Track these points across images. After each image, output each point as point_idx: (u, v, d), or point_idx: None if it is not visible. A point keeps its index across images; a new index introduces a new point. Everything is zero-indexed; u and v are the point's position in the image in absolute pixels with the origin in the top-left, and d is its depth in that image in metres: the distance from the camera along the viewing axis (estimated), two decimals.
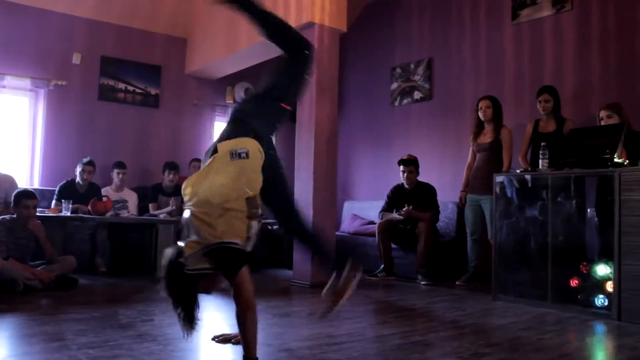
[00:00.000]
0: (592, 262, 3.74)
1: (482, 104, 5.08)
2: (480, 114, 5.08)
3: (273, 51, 5.95)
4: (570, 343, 2.88)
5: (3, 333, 2.82)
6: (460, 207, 5.33)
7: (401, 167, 5.56)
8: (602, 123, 4.25)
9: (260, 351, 2.48)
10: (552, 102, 4.71)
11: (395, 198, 5.61)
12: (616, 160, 3.59)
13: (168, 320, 3.13)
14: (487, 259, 5.04)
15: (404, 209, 5.39)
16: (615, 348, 2.96)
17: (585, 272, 3.74)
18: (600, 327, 3.33)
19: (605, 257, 3.66)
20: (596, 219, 3.84)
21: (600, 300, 3.62)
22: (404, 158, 5.60)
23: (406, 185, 5.57)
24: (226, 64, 6.60)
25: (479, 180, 5.02)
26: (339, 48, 5.13)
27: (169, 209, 5.89)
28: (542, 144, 4.14)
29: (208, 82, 7.21)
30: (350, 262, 2.73)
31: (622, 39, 4.84)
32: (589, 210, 3.89)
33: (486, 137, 5.09)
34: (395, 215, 5.46)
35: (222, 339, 2.70)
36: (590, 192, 3.88)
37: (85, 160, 5.56)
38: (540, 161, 4.07)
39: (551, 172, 3.95)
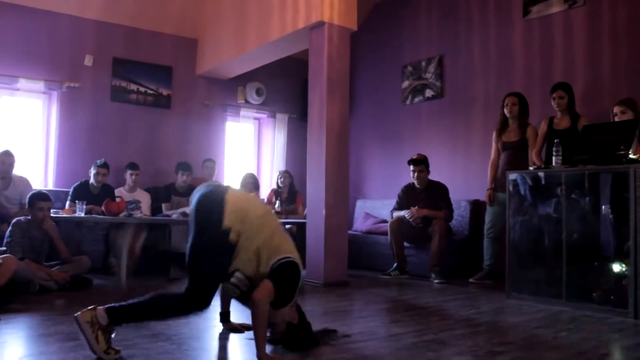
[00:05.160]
0: (608, 259, 3.71)
1: (508, 100, 4.99)
2: (506, 111, 5.00)
3: (282, 51, 6.02)
4: (586, 341, 2.85)
5: (20, 333, 2.84)
6: (489, 205, 5.12)
7: (411, 167, 5.53)
8: (616, 119, 4.21)
9: (274, 350, 2.49)
10: (566, 99, 4.65)
11: (406, 197, 5.59)
12: (631, 156, 3.55)
13: (181, 319, 3.15)
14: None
15: (408, 215, 5.36)
16: (632, 346, 2.93)
17: (600, 269, 3.71)
18: (616, 325, 3.29)
19: (621, 255, 3.62)
20: (611, 216, 3.80)
21: (615, 298, 3.58)
22: (414, 157, 5.57)
23: (417, 185, 5.55)
24: (237, 64, 6.62)
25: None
26: (349, 47, 5.12)
27: (186, 209, 5.93)
28: (555, 140, 4.10)
29: (219, 83, 7.23)
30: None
31: (634, 34, 4.78)
32: (603, 207, 3.85)
33: (512, 135, 5.02)
34: (403, 213, 5.43)
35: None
36: (605, 189, 3.85)
37: (99, 162, 5.59)
38: (553, 158, 4.03)
39: (565, 169, 3.92)
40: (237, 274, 2.44)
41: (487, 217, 5.11)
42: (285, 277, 2.42)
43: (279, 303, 2.42)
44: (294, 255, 2.49)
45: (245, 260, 2.42)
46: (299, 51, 5.95)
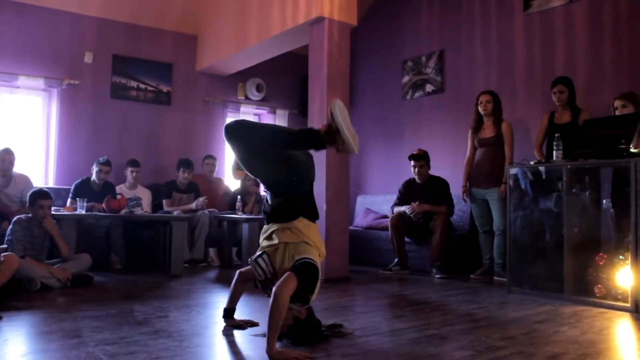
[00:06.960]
0: (609, 253, 3.71)
1: (482, 98, 5.08)
2: (480, 108, 5.07)
3: (282, 47, 6.01)
4: (587, 336, 2.85)
5: (21, 330, 2.85)
6: (464, 201, 5.34)
7: (412, 162, 5.54)
8: (617, 113, 4.20)
9: (280, 345, 2.49)
10: (567, 93, 4.65)
11: (407, 192, 5.59)
12: (632, 150, 3.54)
13: (183, 316, 3.16)
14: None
15: (409, 210, 5.35)
16: (633, 341, 2.94)
17: (601, 264, 3.71)
18: (617, 320, 3.29)
19: (622, 249, 3.62)
20: (612, 210, 3.80)
21: (616, 293, 3.58)
22: (414, 153, 5.57)
23: (418, 180, 5.55)
24: (237, 61, 6.61)
25: (483, 175, 5.02)
26: (349, 42, 5.11)
27: (192, 206, 5.97)
28: (556, 135, 4.10)
29: (219, 79, 7.22)
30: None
31: (635, 27, 4.77)
32: (604, 201, 3.85)
33: (487, 132, 5.08)
34: (404, 208, 5.42)
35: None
36: (606, 183, 3.85)
37: (102, 160, 5.60)
38: (554, 152, 4.03)
39: (566, 163, 3.92)
40: (265, 257, 2.60)
41: (475, 214, 5.20)
42: (308, 275, 2.50)
43: (296, 299, 2.47)
44: (318, 261, 2.59)
45: (274, 250, 2.62)
46: (299, 47, 5.94)
